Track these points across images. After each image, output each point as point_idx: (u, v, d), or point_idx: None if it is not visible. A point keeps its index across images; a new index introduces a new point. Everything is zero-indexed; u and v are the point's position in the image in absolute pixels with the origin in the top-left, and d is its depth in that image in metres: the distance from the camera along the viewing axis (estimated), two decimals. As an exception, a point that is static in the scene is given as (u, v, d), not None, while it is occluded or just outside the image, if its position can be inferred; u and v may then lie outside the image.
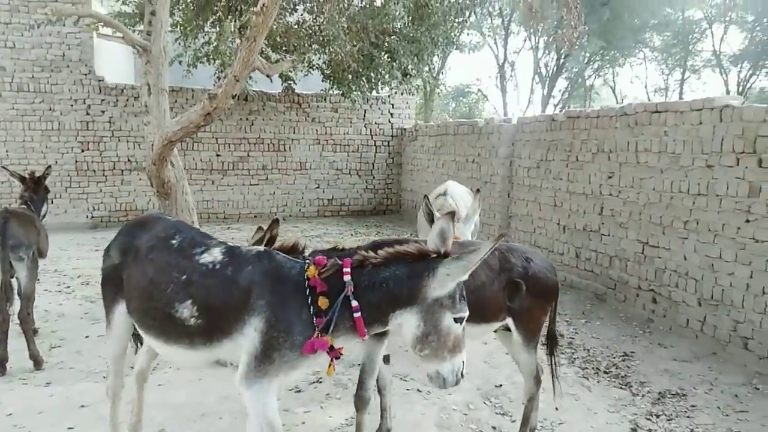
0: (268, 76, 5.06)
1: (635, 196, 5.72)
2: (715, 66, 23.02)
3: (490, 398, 4.04)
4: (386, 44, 8.58)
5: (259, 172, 11.52)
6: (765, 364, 4.46)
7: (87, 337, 4.97)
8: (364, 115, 12.12)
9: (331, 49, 8.80)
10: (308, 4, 8.74)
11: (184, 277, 2.31)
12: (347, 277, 2.15)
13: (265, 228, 3.19)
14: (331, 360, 2.22)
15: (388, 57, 9.00)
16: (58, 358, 4.46)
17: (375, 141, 12.30)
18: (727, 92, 21.96)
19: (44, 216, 5.09)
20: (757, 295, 4.51)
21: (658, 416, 3.85)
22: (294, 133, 11.67)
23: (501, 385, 4.24)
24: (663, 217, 5.37)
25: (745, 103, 4.94)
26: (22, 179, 4.97)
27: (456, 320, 2.13)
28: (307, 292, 2.18)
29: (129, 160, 10.74)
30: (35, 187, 4.97)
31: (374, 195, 12.46)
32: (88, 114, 10.48)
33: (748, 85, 22.56)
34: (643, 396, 4.14)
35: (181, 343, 2.34)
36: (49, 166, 5.39)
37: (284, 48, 9.31)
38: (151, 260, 2.42)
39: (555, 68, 22.31)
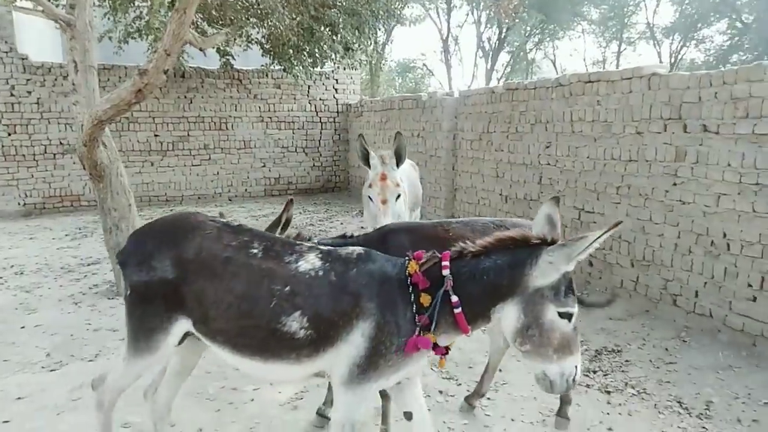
0: (201, 49, 4.90)
1: (571, 165, 5.91)
2: (649, 38, 23.90)
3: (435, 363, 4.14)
4: (326, 17, 8.42)
5: (200, 152, 11.19)
6: (692, 318, 4.76)
7: (23, 327, 4.76)
8: (308, 92, 11.93)
9: (270, 23, 8.57)
10: (244, -24, 8.45)
11: (288, 288, 2.12)
12: (446, 271, 2.05)
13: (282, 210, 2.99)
14: (441, 356, 2.15)
15: (329, 31, 8.85)
16: (-9, 351, 4.27)
17: (320, 117, 12.16)
18: (660, 63, 22.86)
19: None
20: (684, 254, 4.79)
21: (595, 372, 4.07)
22: (236, 110, 11.36)
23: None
24: (597, 184, 5.59)
25: (672, 71, 5.15)
26: None
27: (562, 315, 1.96)
28: (410, 289, 2.08)
29: (61, 143, 10.21)
30: None
31: (322, 173, 12.36)
32: (12, 95, 9.85)
33: (680, 57, 23.56)
34: (582, 354, 4.35)
35: (285, 358, 2.16)
36: None
37: (220, 22, 8.98)
38: (236, 273, 2.17)
39: (497, 42, 22.58)
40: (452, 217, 8.22)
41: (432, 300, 2.05)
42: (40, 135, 10.09)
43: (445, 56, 22.82)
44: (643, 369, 4.13)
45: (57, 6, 7.13)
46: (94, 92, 5.59)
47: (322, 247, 2.30)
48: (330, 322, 2.10)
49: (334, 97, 12.22)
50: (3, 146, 9.89)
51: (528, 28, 23.47)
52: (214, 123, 11.24)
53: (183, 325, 2.27)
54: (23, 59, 9.81)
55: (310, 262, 2.17)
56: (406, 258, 2.17)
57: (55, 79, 10.04)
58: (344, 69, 10.58)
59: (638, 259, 5.22)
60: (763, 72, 4.11)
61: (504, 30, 21.61)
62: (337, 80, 12.14)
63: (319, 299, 2.11)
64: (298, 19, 8.34)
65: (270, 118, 11.70)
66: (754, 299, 4.26)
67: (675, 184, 4.81)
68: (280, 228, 2.96)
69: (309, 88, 11.87)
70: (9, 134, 9.91)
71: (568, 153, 5.96)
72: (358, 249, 2.26)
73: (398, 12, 8.85)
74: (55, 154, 10.23)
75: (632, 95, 5.14)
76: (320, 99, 12.09)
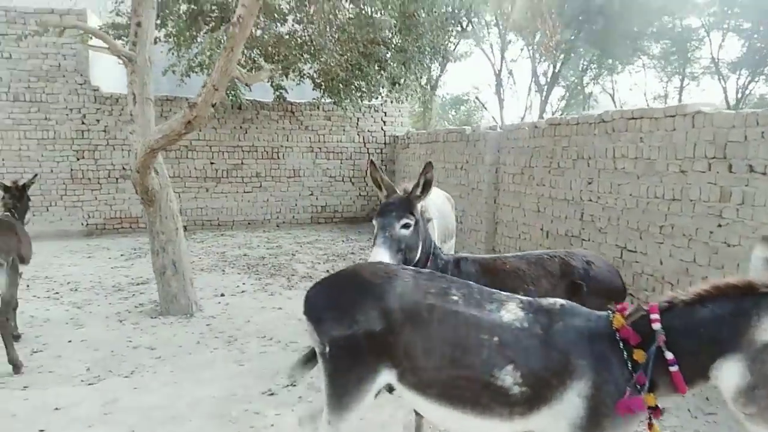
0: (247, 85, 5.16)
1: (613, 202, 5.77)
2: (714, 73, 23.09)
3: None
4: (375, 54, 8.69)
5: (252, 180, 11.63)
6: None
7: (69, 341, 5.05)
8: (357, 123, 12.24)
9: (321, 59, 8.92)
10: (298, 15, 8.87)
11: (496, 339, 2.04)
12: (657, 325, 1.91)
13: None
14: (651, 420, 2.00)
15: (377, 66, 9.11)
16: (38, 362, 4.54)
17: (368, 148, 12.41)
18: (726, 99, 22.03)
19: (27, 223, 5.19)
20: (729, 299, 4.54)
21: None
22: (287, 140, 11.79)
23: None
24: (640, 222, 5.42)
25: (739, 107, 4.99)
26: (5, 188, 5.07)
27: None
28: (621, 345, 1.97)
29: (123, 168, 10.88)
30: (19, 195, 5.07)
31: (367, 202, 12.54)
32: (83, 123, 10.63)
33: (747, 92, 22.62)
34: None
35: (498, 415, 2.05)
36: (36, 175, 5.50)
37: (275, 58, 9.44)
38: (442, 321, 2.09)
39: (551, 76, 22.42)
40: (493, 251, 8.14)
41: (646, 357, 1.92)
42: (105, 160, 10.80)
43: (498, 90, 22.83)
44: (679, 419, 3.91)
45: (121, 44, 7.70)
46: (149, 122, 5.98)
47: (524, 297, 2.24)
48: (542, 380, 1.99)
49: (382, 129, 12.47)
50: (72, 170, 10.64)
51: (584, 63, 23.22)
52: (267, 152, 11.69)
53: (386, 377, 2.18)
54: (95, 90, 10.60)
55: (512, 312, 2.11)
56: (609, 311, 2.07)
57: (122, 109, 10.75)
58: (392, 102, 10.81)
59: (681, 302, 4.99)
60: (813, 111, 3.93)
61: (558, 64, 21.45)
62: (385, 113, 12.41)
63: (529, 353, 2.02)
64: (347, 55, 8.65)
65: (319, 148, 12.05)
66: (806, 351, 3.98)
67: (720, 226, 4.60)
68: (420, 189, 3.04)
69: (358, 120, 12.18)
70: (78, 159, 10.65)
71: (610, 190, 5.83)
72: (560, 300, 2.19)
73: (443, 48, 9.00)
74: (117, 179, 10.91)
75: (676, 133, 5.01)
76: (368, 130, 12.37)
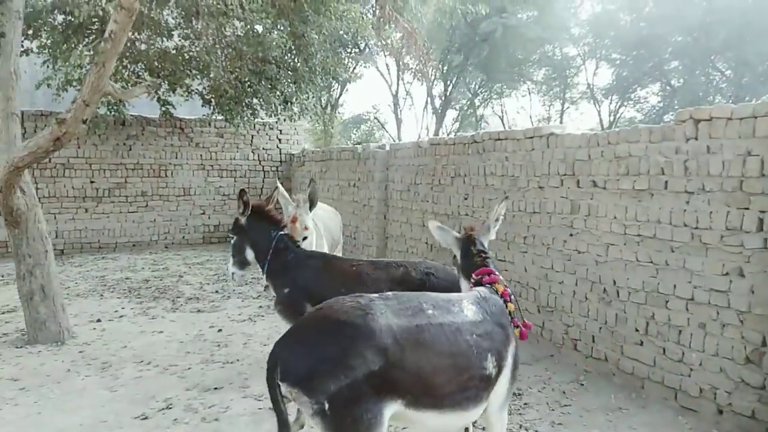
0: (121, 101, 5.03)
1: (485, 216, 6.22)
2: (590, 98, 25.41)
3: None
4: (265, 72, 8.74)
5: (137, 199, 11.10)
6: (590, 362, 5.01)
7: None
8: (252, 141, 12.14)
9: (210, 75, 8.82)
10: (184, 30, 8.72)
11: (475, 336, 2.37)
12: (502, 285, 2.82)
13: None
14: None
15: (268, 84, 9.15)
16: None
17: (263, 166, 12.34)
18: (601, 122, 24.28)
19: None
20: (582, 301, 5.08)
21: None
22: (176, 158, 11.41)
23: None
24: (507, 234, 5.90)
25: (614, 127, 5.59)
26: None
27: None
28: (504, 304, 2.69)
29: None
30: None
31: (263, 220, 12.39)
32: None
33: (618, 116, 25.09)
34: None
35: (485, 398, 2.44)
36: None
37: (161, 73, 9.19)
38: (434, 337, 2.22)
39: (443, 99, 23.56)
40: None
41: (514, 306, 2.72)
42: (-32, 179, 9.85)
43: (395, 110, 23.60)
44: (539, 411, 4.29)
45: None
46: (15, 139, 5.62)
47: (461, 294, 2.74)
48: (502, 353, 2.48)
49: (277, 146, 12.46)
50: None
51: (473, 87, 24.64)
52: (153, 170, 11.23)
53: (392, 409, 2.15)
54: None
55: (469, 308, 2.47)
56: (488, 284, 2.75)
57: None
58: (284, 120, 10.87)
59: (543, 305, 5.49)
60: (639, 134, 4.54)
61: (449, 87, 22.60)
62: (280, 131, 12.42)
63: (492, 337, 2.44)
64: (236, 73, 8.63)
65: (211, 165, 11.79)
66: (641, 343, 4.55)
67: (571, 235, 5.14)
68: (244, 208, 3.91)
69: (252, 137, 12.09)
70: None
71: (482, 205, 6.29)
72: (481, 289, 2.72)
73: (334, 70, 9.26)
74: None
75: (534, 152, 5.54)
76: (263, 148, 12.31)
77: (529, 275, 5.63)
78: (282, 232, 3.88)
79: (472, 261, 2.91)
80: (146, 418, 3.96)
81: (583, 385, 4.78)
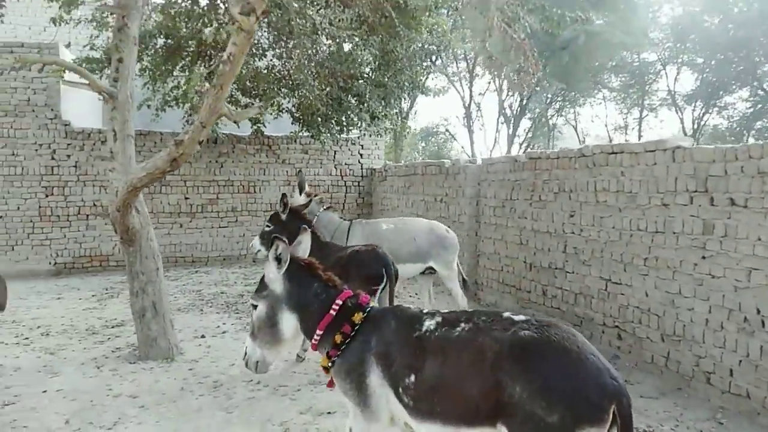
0: (235, 122, 5.11)
1: (596, 234, 5.87)
2: (671, 105, 24.12)
3: None
4: (354, 88, 8.77)
5: (228, 214, 11.44)
6: (727, 398, 4.54)
7: (44, 391, 4.77)
8: (334, 156, 12.24)
9: (300, 93, 8.95)
10: (277, 50, 8.91)
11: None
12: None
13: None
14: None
15: (356, 100, 9.18)
16: (11, 416, 4.25)
17: (345, 181, 12.40)
18: (683, 130, 22.97)
19: None
20: (716, 330, 4.63)
21: (626, 455, 3.86)
22: (264, 174, 11.69)
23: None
24: (624, 255, 5.52)
25: (698, 142, 5.17)
26: None
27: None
28: None
29: (95, 204, 10.57)
30: None
31: (345, 235, 12.44)
32: (53, 159, 10.33)
33: (702, 123, 23.65)
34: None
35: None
36: None
37: (253, 92, 9.43)
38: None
39: (518, 109, 23.03)
40: (475, 284, 8.14)
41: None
42: (75, 197, 10.48)
43: (467, 122, 23.32)
44: None
45: (101, 78, 7.58)
46: (130, 160, 5.84)
47: (423, 309, 2.70)
48: None
49: (359, 161, 12.51)
50: (40, 207, 10.28)
51: (549, 96, 23.95)
52: (243, 186, 11.55)
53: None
54: (66, 125, 10.34)
55: (460, 328, 2.40)
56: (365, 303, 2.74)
57: (94, 144, 10.52)
58: (370, 136, 10.88)
59: (668, 333, 5.06)
60: (789, 147, 4.10)
61: (525, 98, 22.08)
62: (362, 146, 12.46)
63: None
64: (327, 90, 8.70)
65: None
66: (795, 380, 4.07)
67: (704, 258, 4.71)
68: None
69: (335, 153, 12.19)
70: (46, 195, 10.31)
71: (593, 222, 5.93)
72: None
73: (422, 83, 9.16)
74: (88, 215, 10.57)
75: (656, 167, 5.15)
76: (345, 163, 12.38)
77: (652, 300, 5.22)
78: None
79: (327, 285, 2.81)
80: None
81: (722, 424, 4.33)
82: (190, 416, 4.31)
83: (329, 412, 4.37)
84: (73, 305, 7.94)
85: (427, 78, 9.58)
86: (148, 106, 9.90)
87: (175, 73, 9.78)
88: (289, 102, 9.66)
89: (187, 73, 9.60)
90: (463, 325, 2.38)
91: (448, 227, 8.79)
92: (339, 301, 2.66)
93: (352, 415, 2.68)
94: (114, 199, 5.44)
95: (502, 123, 23.94)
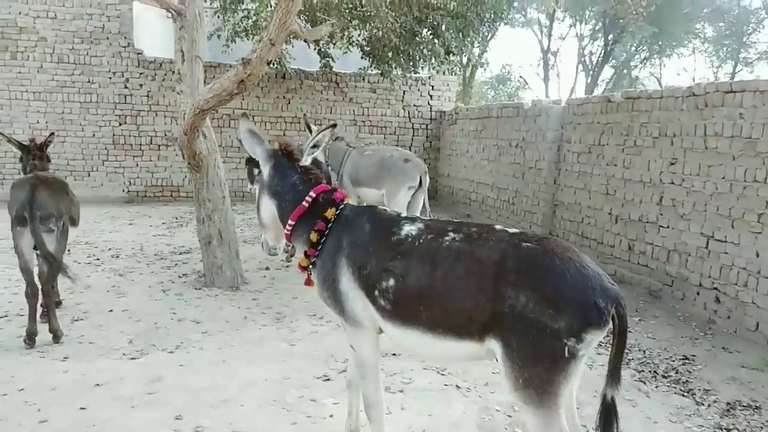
0: (305, 41, 4.73)
1: (701, 185, 5.19)
2: (772, 59, 21.70)
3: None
4: (430, 19, 8.15)
5: (294, 152, 11.27)
6: None
7: (111, 311, 4.79)
8: (403, 97, 11.72)
9: (372, 24, 8.43)
10: (349, -23, 8.38)
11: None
12: None
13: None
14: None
15: (430, 33, 8.56)
16: (79, 332, 4.28)
17: (413, 123, 11.90)
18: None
19: None
20: None
21: (729, 430, 3.41)
22: (331, 112, 11.35)
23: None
24: (733, 209, 4.84)
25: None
26: (22, 147, 4.69)
27: None
28: None
29: (166, 134, 10.65)
30: (39, 154, 4.69)
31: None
32: (126, 87, 10.41)
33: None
34: (709, 406, 3.69)
35: None
36: (52, 134, 5.03)
37: (324, 22, 8.97)
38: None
39: (602, 55, 21.36)
40: (551, 234, 7.61)
41: None
42: (147, 126, 10.58)
43: (544, 69, 21.93)
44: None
45: None
46: (198, 82, 5.64)
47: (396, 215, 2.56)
48: None
49: (428, 103, 11.93)
50: (114, 135, 10.46)
51: (635, 43, 22.04)
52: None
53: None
54: (138, 54, 10.33)
55: (450, 237, 2.26)
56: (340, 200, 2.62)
57: (165, 74, 10.50)
58: (442, 74, 10.25)
59: (782, 299, 4.44)
60: None
61: (609, 43, 20.39)
62: (432, 86, 11.85)
63: None
64: (401, 20, 8.13)
65: (363, 121, 11.60)
66: None
67: (840, 215, 4.02)
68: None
69: (404, 93, 11.65)
70: (120, 124, 10.46)
71: (698, 172, 5.24)
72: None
73: (506, 14, 8.39)
74: (159, 146, 10.69)
75: (787, 108, 4.40)
76: (414, 105, 11.84)
77: (763, 261, 4.57)
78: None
79: (304, 178, 2.63)
80: (328, 379, 3.71)
81: (842, 404, 3.76)
82: (252, 345, 4.19)
83: (394, 354, 4.13)
84: (144, 231, 8.06)
85: (509, 9, 8.73)
86: (218, 36, 9.69)
87: (245, 3, 9.46)
88: (359, 35, 9.16)
89: (256, 4, 9.26)
90: (452, 234, 2.25)
91: (523, 173, 8.24)
92: (312, 194, 2.58)
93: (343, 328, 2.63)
94: (181, 122, 5.27)
95: (581, 71, 22.38)
